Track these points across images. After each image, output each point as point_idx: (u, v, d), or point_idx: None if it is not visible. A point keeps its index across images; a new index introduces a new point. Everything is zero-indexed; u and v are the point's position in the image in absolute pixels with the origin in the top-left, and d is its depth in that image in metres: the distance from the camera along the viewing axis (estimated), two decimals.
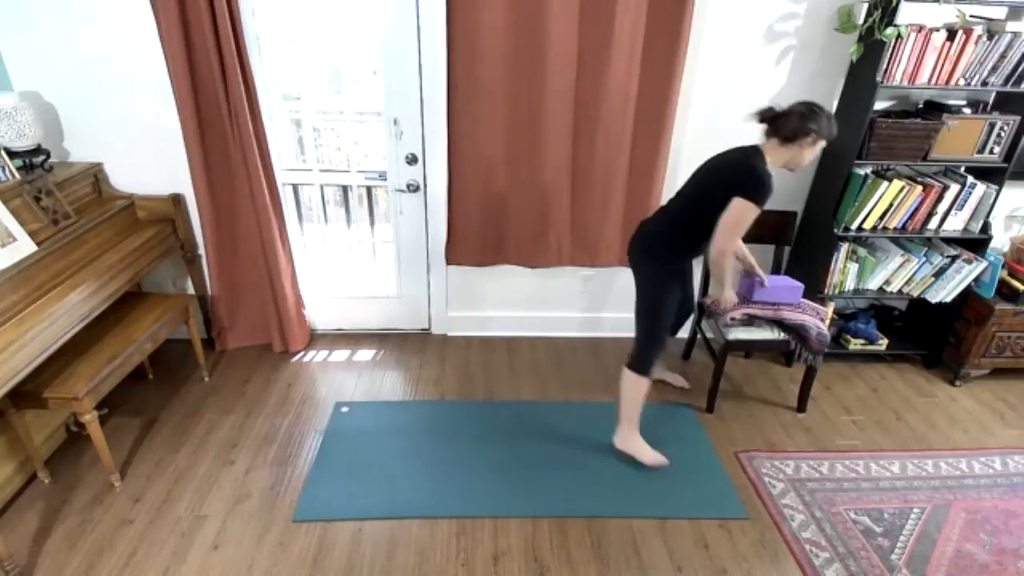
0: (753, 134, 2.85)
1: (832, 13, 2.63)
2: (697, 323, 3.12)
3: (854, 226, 2.81)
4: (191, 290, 3.06)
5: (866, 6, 2.56)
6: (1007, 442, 2.71)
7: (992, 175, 2.78)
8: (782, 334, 2.64)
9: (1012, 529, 2.24)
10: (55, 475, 2.33)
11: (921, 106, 2.84)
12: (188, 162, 2.66)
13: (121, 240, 2.58)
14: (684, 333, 3.24)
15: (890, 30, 2.41)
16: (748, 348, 3.00)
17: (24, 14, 2.43)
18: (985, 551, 2.15)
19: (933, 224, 2.84)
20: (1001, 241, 3.18)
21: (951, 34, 2.48)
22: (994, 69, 2.56)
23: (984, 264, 2.84)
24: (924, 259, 2.87)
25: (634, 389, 2.39)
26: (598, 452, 2.53)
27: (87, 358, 2.23)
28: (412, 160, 2.88)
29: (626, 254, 2.47)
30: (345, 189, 3.56)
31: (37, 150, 2.43)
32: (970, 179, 2.75)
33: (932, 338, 3.16)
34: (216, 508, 2.22)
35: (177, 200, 2.80)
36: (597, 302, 3.33)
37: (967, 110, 2.69)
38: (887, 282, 2.95)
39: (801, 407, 2.83)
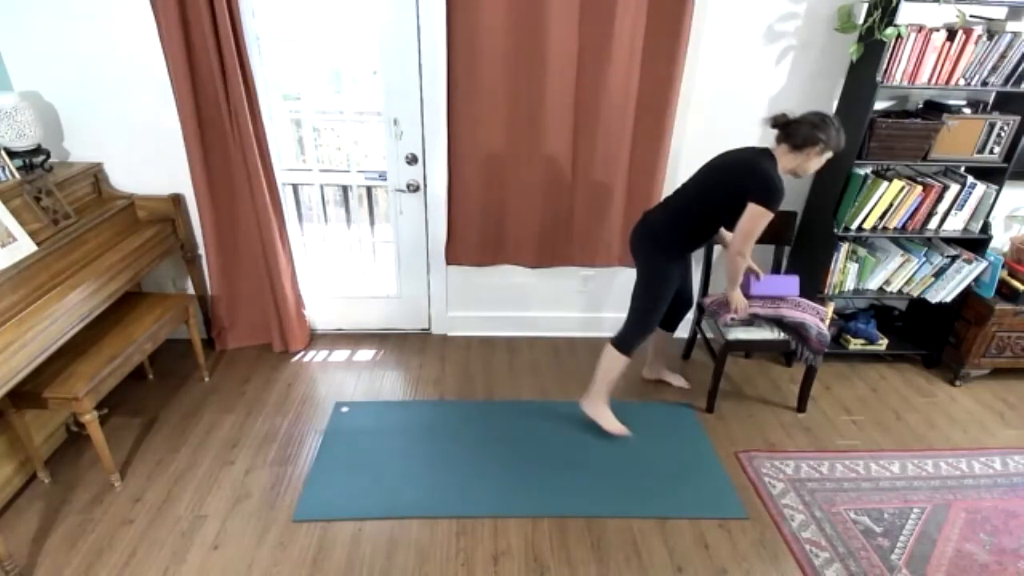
0: (753, 135, 2.87)
1: (832, 13, 2.63)
2: (697, 323, 3.12)
3: (854, 226, 2.81)
4: (191, 290, 3.06)
5: (866, 6, 2.56)
6: (1007, 442, 2.71)
7: (992, 175, 2.78)
8: (782, 334, 2.64)
9: (1012, 529, 2.24)
10: (55, 475, 2.33)
11: (921, 106, 2.84)
12: (188, 162, 2.66)
13: (121, 240, 2.58)
14: (684, 333, 3.24)
15: (890, 30, 2.41)
16: (748, 348, 3.00)
17: (24, 14, 2.43)
18: (985, 551, 2.15)
19: (933, 224, 2.84)
20: (1001, 241, 3.18)
21: (951, 34, 2.48)
22: (994, 69, 2.56)
23: (984, 264, 2.84)
24: (924, 259, 2.87)
25: (612, 364, 2.50)
26: (598, 452, 2.53)
27: (87, 358, 2.23)
28: (412, 160, 2.88)
29: (628, 243, 2.52)
30: (345, 189, 3.56)
31: (37, 150, 2.43)
32: (970, 179, 2.75)
33: (932, 338, 3.16)
34: (216, 508, 2.22)
35: (177, 200, 2.80)
36: (597, 302, 3.33)
37: (967, 110, 2.69)
38: (887, 282, 2.95)
39: (801, 407, 2.83)
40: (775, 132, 2.27)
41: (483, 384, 2.97)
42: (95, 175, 2.68)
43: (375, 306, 3.31)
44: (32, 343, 1.94)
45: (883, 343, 3.16)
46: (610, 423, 2.60)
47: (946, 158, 2.73)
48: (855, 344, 3.16)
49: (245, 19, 2.45)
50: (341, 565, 2.02)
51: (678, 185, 2.49)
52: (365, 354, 3.18)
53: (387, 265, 3.26)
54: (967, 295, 2.95)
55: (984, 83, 2.59)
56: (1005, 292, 2.94)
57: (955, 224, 2.86)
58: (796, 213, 2.97)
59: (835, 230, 2.80)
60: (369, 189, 3.57)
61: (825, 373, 3.10)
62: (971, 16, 2.59)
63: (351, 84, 2.95)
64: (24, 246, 2.11)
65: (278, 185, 2.81)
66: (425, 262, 3.17)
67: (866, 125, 2.61)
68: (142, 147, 2.72)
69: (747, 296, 2.62)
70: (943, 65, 2.54)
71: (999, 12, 2.60)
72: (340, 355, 3.16)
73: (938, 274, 2.90)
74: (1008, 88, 2.61)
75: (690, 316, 3.05)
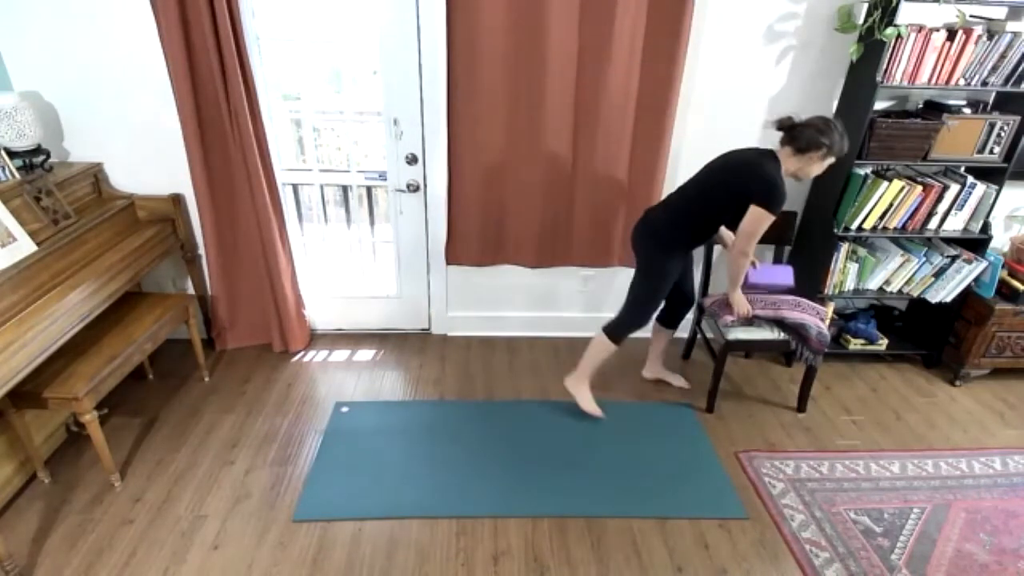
0: (753, 135, 2.87)
1: (832, 13, 2.63)
2: (697, 323, 3.12)
3: (854, 226, 2.81)
4: (191, 290, 3.06)
5: (866, 6, 2.56)
6: (1007, 442, 2.71)
7: (992, 175, 2.78)
8: (782, 334, 2.64)
9: (1012, 529, 2.24)
10: (55, 475, 2.33)
11: (921, 106, 2.84)
12: (188, 162, 2.66)
13: (121, 240, 2.58)
14: (684, 333, 3.25)
15: (890, 30, 2.41)
16: (748, 348, 3.00)
17: (24, 14, 2.43)
18: (985, 551, 2.15)
19: (933, 224, 2.84)
20: (1001, 241, 3.18)
21: (951, 34, 2.48)
22: (994, 69, 2.56)
23: (984, 264, 2.84)
24: (924, 259, 2.87)
25: (600, 350, 2.62)
26: (598, 452, 2.53)
27: (87, 358, 2.23)
28: (412, 160, 2.88)
29: (630, 238, 2.55)
30: (345, 189, 3.56)
31: (37, 150, 2.43)
32: (970, 179, 2.75)
33: (932, 338, 3.16)
34: (216, 508, 2.22)
35: (177, 200, 2.80)
36: (597, 302, 3.33)
37: (967, 110, 2.69)
38: (887, 282, 2.95)
39: (801, 407, 2.83)
40: (780, 134, 2.29)
41: (483, 384, 2.97)
42: (95, 175, 2.68)
43: (375, 306, 3.31)
44: (32, 343, 1.94)
45: (883, 343, 3.16)
46: (587, 403, 2.72)
47: (946, 158, 2.73)
48: (855, 344, 3.16)
49: (245, 19, 2.45)
50: (341, 565, 2.02)
51: (678, 185, 2.50)
52: (365, 354, 3.18)
53: (387, 265, 3.26)
54: (967, 295, 2.95)
55: (984, 83, 2.59)
56: (1005, 292, 2.94)
57: (955, 224, 2.86)
58: (796, 213, 2.97)
59: (835, 230, 2.80)
60: (369, 189, 3.57)
61: (825, 373, 3.10)
62: (971, 16, 2.59)
63: (351, 84, 2.95)
64: (24, 246, 2.11)
65: (278, 185, 2.81)
66: (425, 262, 3.17)
67: (866, 125, 2.61)
68: (142, 147, 2.72)
69: (744, 284, 2.61)
70: (943, 65, 2.54)
71: (999, 12, 2.60)
72: (340, 355, 3.16)
73: (938, 274, 2.90)
74: (1008, 88, 2.61)
75: (690, 316, 3.05)
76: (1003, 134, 2.67)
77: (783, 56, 2.73)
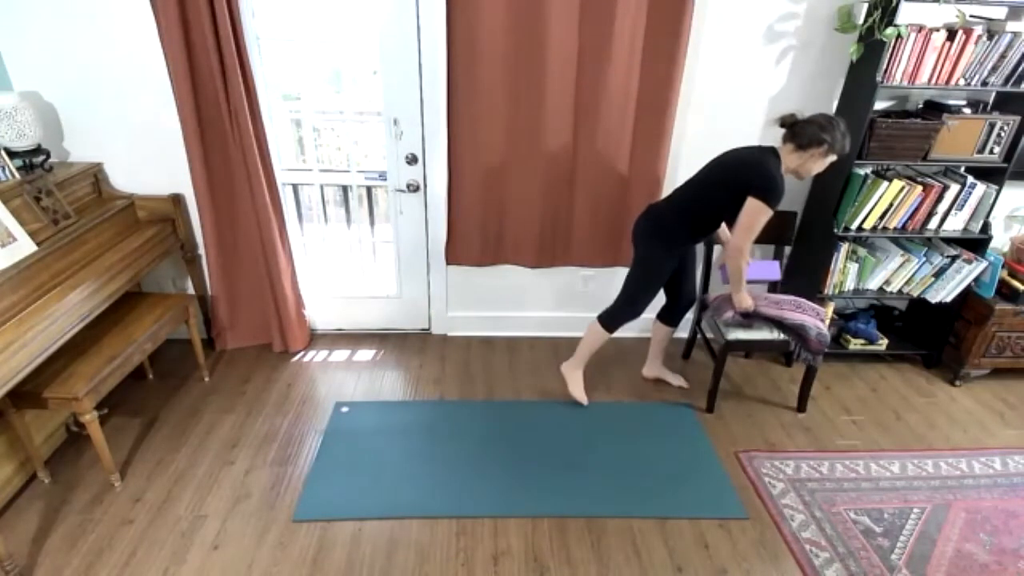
0: (753, 135, 2.87)
1: (832, 13, 2.63)
2: (697, 323, 3.12)
3: (854, 226, 2.81)
4: (191, 290, 3.06)
5: (866, 6, 2.56)
6: (1007, 442, 2.71)
7: (992, 175, 2.78)
8: (782, 335, 2.64)
9: (1012, 529, 2.24)
10: (55, 475, 2.33)
11: (921, 106, 2.84)
12: (188, 162, 2.66)
13: (121, 240, 2.58)
14: (684, 333, 3.25)
15: (890, 30, 2.41)
16: (748, 348, 3.00)
17: (24, 14, 2.43)
18: (985, 551, 2.15)
19: (933, 224, 2.84)
20: (1001, 241, 3.18)
21: (951, 34, 2.48)
22: (994, 69, 2.56)
23: (984, 264, 2.84)
24: (924, 259, 2.87)
25: (594, 337, 2.69)
26: (598, 452, 2.53)
27: (87, 358, 2.23)
28: (412, 160, 2.88)
29: (631, 232, 2.57)
30: (345, 189, 3.56)
31: (37, 150, 2.43)
32: (970, 179, 2.75)
33: (932, 338, 3.16)
34: (216, 508, 2.22)
35: (177, 200, 2.80)
36: (597, 302, 3.31)
37: (967, 110, 2.69)
38: (887, 282, 2.95)
39: (801, 407, 2.83)
40: (782, 132, 2.31)
41: (483, 384, 2.97)
42: (95, 175, 2.68)
43: (375, 306, 3.31)
44: (32, 343, 1.94)
45: (883, 343, 3.16)
46: (576, 388, 2.80)
47: (946, 158, 2.73)
48: (855, 344, 3.16)
49: (245, 19, 2.45)
50: (341, 565, 2.02)
51: (678, 184, 2.50)
52: (365, 354, 3.18)
53: (387, 265, 3.26)
54: (967, 295, 2.95)
55: (984, 83, 2.59)
56: (1005, 292, 2.94)
57: (955, 224, 2.86)
58: (796, 213, 2.97)
59: (835, 230, 2.80)
60: (369, 189, 3.58)
61: (825, 373, 3.10)
62: (971, 16, 2.59)
63: (351, 84, 2.95)
64: (24, 246, 2.11)
65: (278, 185, 2.81)
66: (425, 262, 3.17)
67: (866, 125, 2.61)
68: (142, 147, 2.72)
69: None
70: (943, 65, 2.54)
71: (999, 12, 2.60)
72: (340, 355, 3.16)
73: (938, 274, 2.90)
74: (1008, 88, 2.61)
75: (690, 315, 3.06)
76: (1003, 134, 2.67)
77: (783, 56, 2.73)
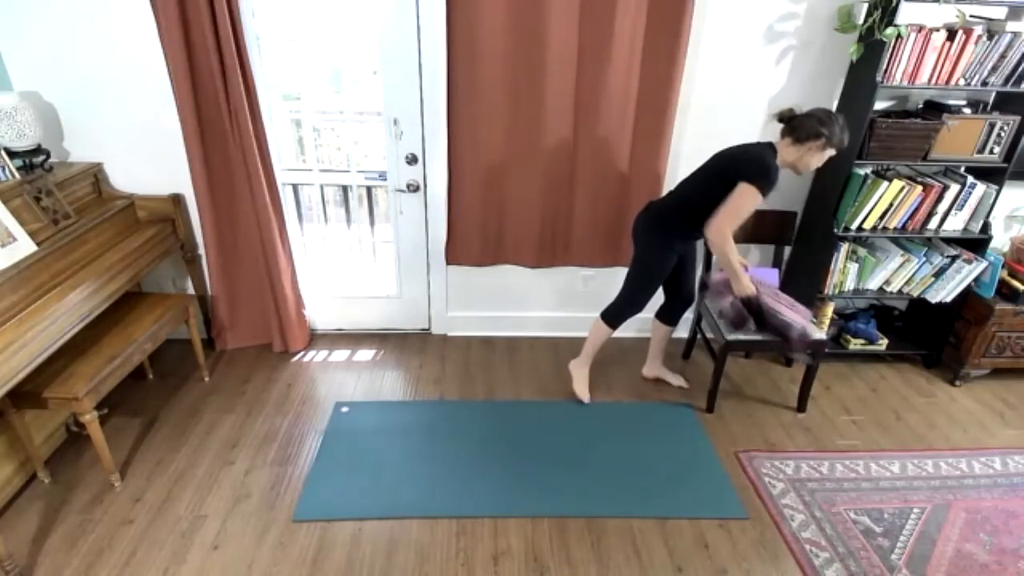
0: (753, 135, 2.87)
1: (832, 13, 2.63)
2: (697, 323, 3.12)
3: (854, 226, 2.81)
4: (191, 290, 3.06)
5: (866, 6, 2.56)
6: (1007, 442, 2.71)
7: (992, 175, 2.78)
8: (767, 334, 2.58)
9: (1012, 529, 2.24)
10: (55, 475, 2.33)
11: (921, 106, 2.84)
12: (188, 162, 2.66)
13: (121, 240, 2.58)
14: (684, 333, 3.25)
15: (890, 30, 2.41)
16: (748, 348, 3.00)
17: (24, 14, 2.43)
18: (985, 551, 2.15)
19: (933, 224, 2.84)
20: (1001, 241, 3.18)
21: (951, 34, 2.48)
22: (994, 69, 2.56)
23: (984, 264, 2.84)
24: (924, 259, 2.87)
25: (598, 334, 2.72)
26: (598, 452, 2.53)
27: (87, 358, 2.23)
28: (412, 160, 2.88)
29: (632, 228, 2.58)
30: (345, 189, 3.56)
31: (37, 150, 2.43)
32: (970, 179, 2.75)
33: (932, 338, 3.16)
34: (216, 508, 2.22)
35: (177, 200, 2.80)
36: (597, 302, 3.31)
37: (967, 110, 2.69)
38: (887, 282, 2.95)
39: (801, 407, 2.83)
40: (781, 127, 2.32)
41: (483, 384, 2.97)
42: (95, 175, 2.67)
43: (375, 306, 3.31)
44: (32, 343, 1.94)
45: (883, 343, 3.16)
46: (579, 386, 2.82)
47: (946, 158, 2.73)
48: (855, 344, 3.16)
49: (245, 19, 2.45)
50: (341, 565, 2.02)
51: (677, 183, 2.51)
52: (365, 354, 3.18)
53: (387, 265, 3.26)
54: (967, 295, 2.95)
55: (984, 83, 2.59)
56: (1005, 292, 2.94)
57: (955, 224, 2.86)
58: (796, 213, 2.97)
59: (835, 230, 2.80)
60: (369, 189, 3.58)
61: (825, 373, 3.10)
62: (971, 16, 2.59)
63: (351, 84, 2.95)
64: (24, 246, 2.11)
65: (278, 185, 2.81)
66: (425, 262, 3.17)
67: (866, 125, 2.61)
68: (142, 147, 2.72)
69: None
70: (943, 65, 2.54)
71: (999, 12, 2.60)
72: (340, 355, 3.16)
73: (938, 274, 2.90)
74: (1008, 88, 2.60)
75: (689, 315, 3.06)
76: (1003, 134, 2.67)
77: (783, 56, 2.73)
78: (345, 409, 2.75)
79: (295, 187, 3.32)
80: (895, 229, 2.84)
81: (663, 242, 2.50)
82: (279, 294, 2.96)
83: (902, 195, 2.73)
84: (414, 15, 2.57)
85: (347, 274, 3.31)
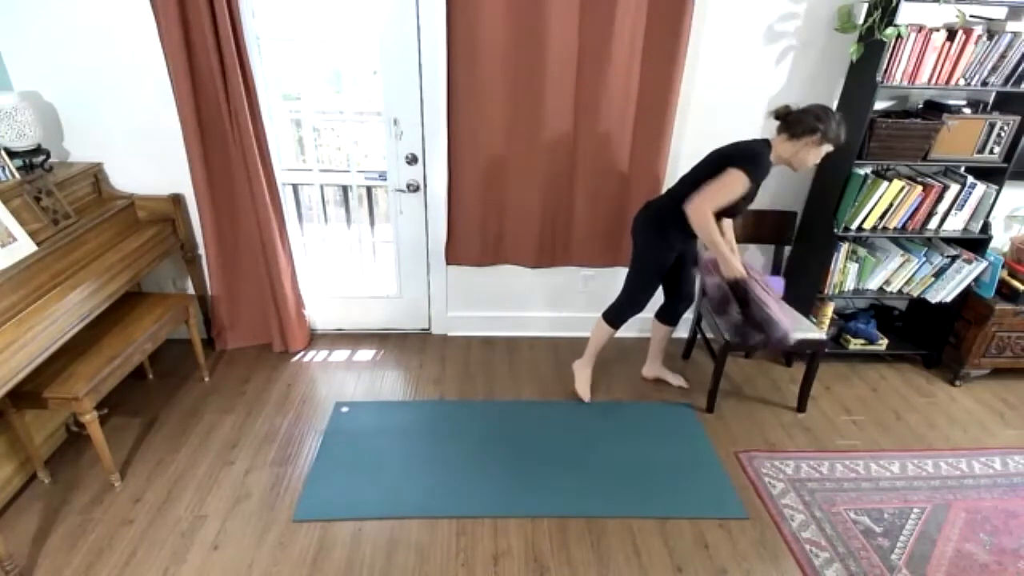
0: (752, 135, 2.86)
1: (832, 13, 2.63)
2: (697, 323, 3.12)
3: (854, 226, 2.81)
4: (191, 290, 3.06)
5: (866, 6, 2.56)
6: (1007, 442, 2.71)
7: (992, 175, 2.78)
8: (757, 333, 2.48)
9: (1012, 529, 2.24)
10: (55, 475, 2.33)
11: (921, 106, 2.84)
12: (188, 162, 2.66)
13: (121, 240, 2.58)
14: (684, 333, 3.25)
15: (890, 30, 2.41)
16: (748, 348, 3.00)
17: (24, 14, 2.43)
18: (985, 551, 2.15)
19: (933, 224, 2.84)
20: (1001, 241, 3.18)
21: (951, 34, 2.48)
22: (994, 69, 2.56)
23: (984, 264, 2.84)
24: (924, 259, 2.87)
25: (600, 334, 2.74)
26: (598, 452, 2.53)
27: (87, 358, 2.23)
28: (412, 160, 2.88)
29: (631, 227, 2.58)
30: (345, 189, 3.56)
31: (37, 150, 2.43)
32: (970, 179, 2.75)
33: (932, 338, 3.16)
34: (216, 508, 2.22)
35: (177, 200, 2.80)
36: (597, 302, 3.31)
37: (967, 110, 2.69)
38: (887, 282, 2.95)
39: (801, 407, 2.83)
40: (777, 124, 2.31)
41: (483, 384, 2.97)
42: (95, 175, 2.67)
43: (375, 306, 3.31)
44: (32, 343, 1.94)
45: (883, 343, 3.16)
46: (581, 385, 2.85)
47: (946, 158, 2.73)
48: (855, 344, 3.16)
49: (245, 19, 2.45)
50: (341, 565, 2.02)
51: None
52: (365, 354, 3.18)
53: (387, 265, 3.26)
54: (967, 295, 2.95)
55: (984, 83, 2.59)
56: (1005, 292, 2.94)
57: (955, 224, 2.86)
58: (796, 213, 2.97)
59: (835, 230, 2.80)
60: (369, 189, 3.57)
61: (825, 373, 3.10)
62: (971, 16, 2.59)
63: (351, 84, 2.95)
64: (24, 246, 2.11)
65: (278, 185, 2.81)
66: (425, 262, 3.17)
67: (866, 125, 2.61)
68: (142, 147, 2.72)
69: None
70: (943, 65, 2.54)
71: (999, 12, 2.60)
72: (340, 355, 3.16)
73: (938, 274, 2.90)
74: (1008, 88, 2.61)
75: (689, 315, 3.06)
76: (1003, 134, 2.67)
77: (783, 56, 2.73)
78: (345, 409, 2.75)
79: (295, 187, 3.32)
80: (895, 229, 2.84)
81: (661, 240, 2.50)
82: (279, 294, 2.96)
83: (902, 195, 2.73)
84: (414, 15, 2.57)
85: (347, 274, 3.31)
